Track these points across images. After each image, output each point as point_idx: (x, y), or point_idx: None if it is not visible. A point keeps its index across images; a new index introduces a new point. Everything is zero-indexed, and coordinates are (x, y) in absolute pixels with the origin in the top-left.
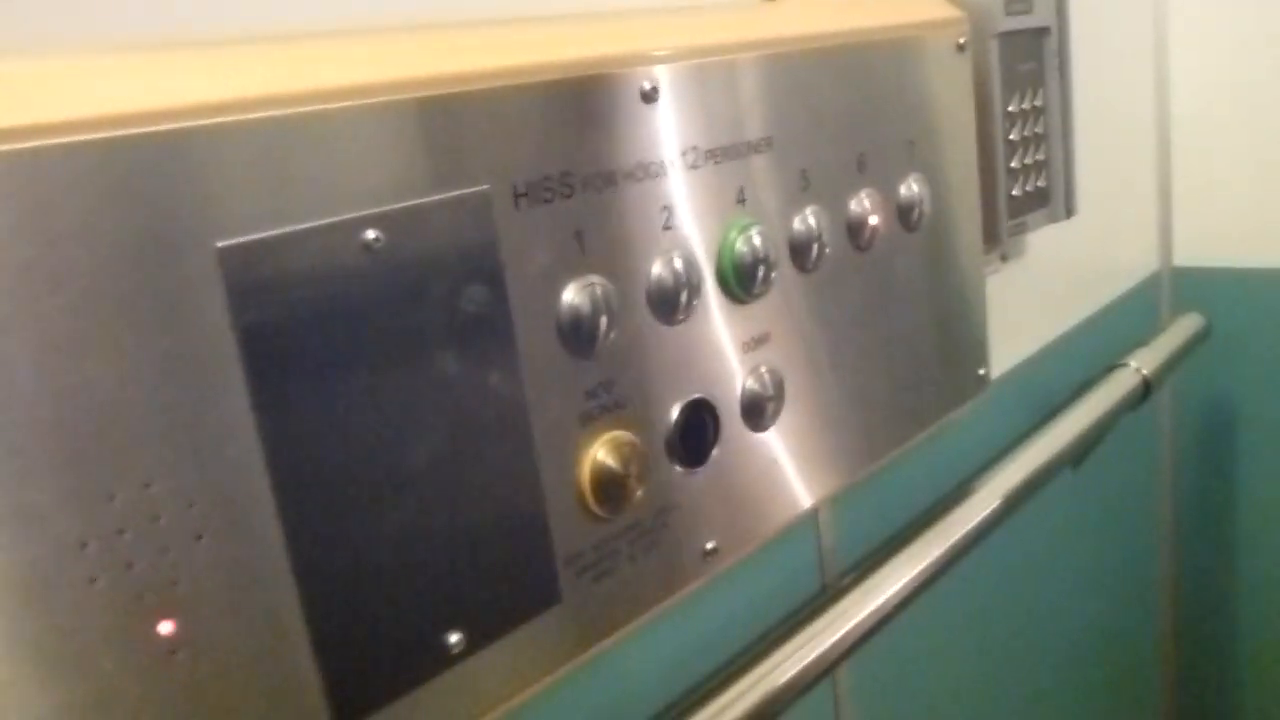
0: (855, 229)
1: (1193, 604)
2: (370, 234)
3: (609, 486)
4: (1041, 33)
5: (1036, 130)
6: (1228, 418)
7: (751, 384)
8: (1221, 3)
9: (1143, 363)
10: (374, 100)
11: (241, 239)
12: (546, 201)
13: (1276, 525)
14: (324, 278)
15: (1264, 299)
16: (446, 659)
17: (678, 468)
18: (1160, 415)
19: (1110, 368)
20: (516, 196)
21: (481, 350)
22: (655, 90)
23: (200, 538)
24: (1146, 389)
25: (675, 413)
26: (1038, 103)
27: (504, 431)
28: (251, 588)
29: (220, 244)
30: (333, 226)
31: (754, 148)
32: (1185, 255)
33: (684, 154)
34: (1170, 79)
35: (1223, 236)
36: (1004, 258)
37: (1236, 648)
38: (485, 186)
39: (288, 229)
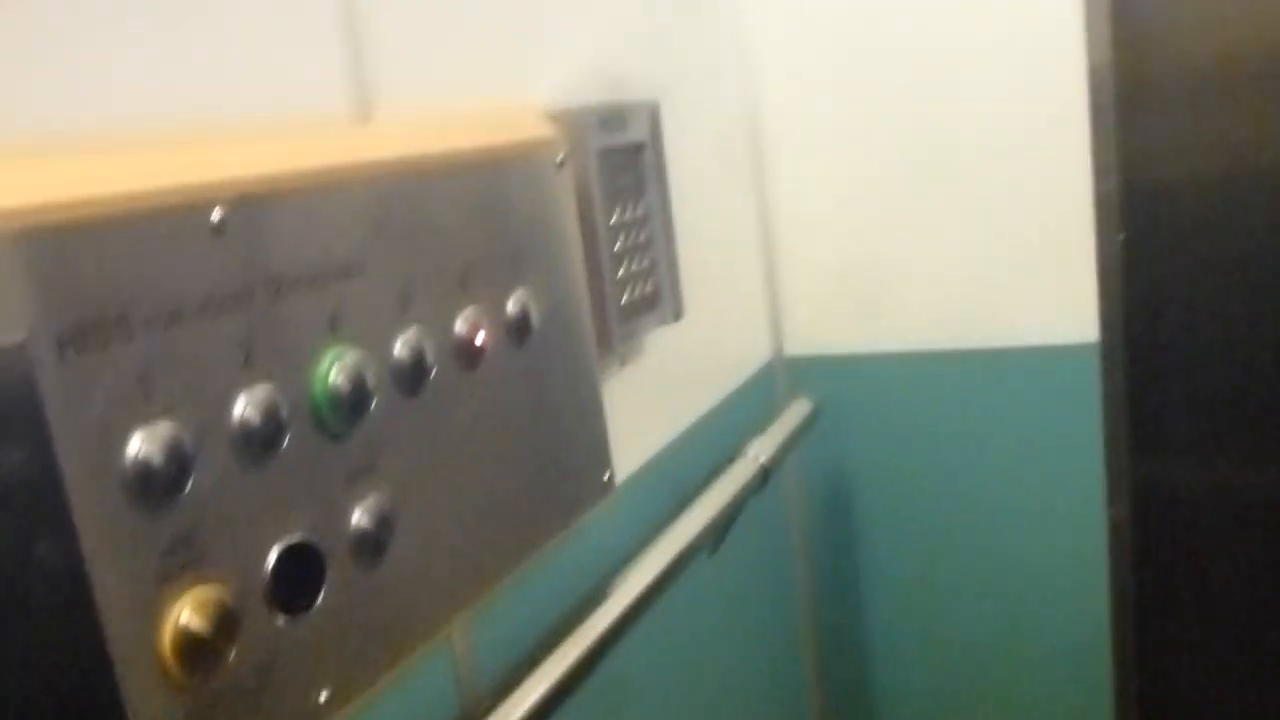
0: (461, 348)
1: (834, 664)
2: None
3: (196, 652)
4: (638, 148)
5: (640, 239)
6: (846, 489)
7: (358, 519)
8: (811, 106)
9: (760, 450)
10: None
11: None
12: (100, 347)
13: (896, 582)
14: None
15: (866, 380)
16: None
17: (280, 618)
18: (787, 492)
19: (731, 457)
20: (62, 345)
21: (26, 518)
22: (226, 222)
23: None
24: (766, 474)
25: (271, 559)
26: (639, 213)
27: (62, 606)
28: None
29: None
30: None
31: (345, 272)
32: (795, 345)
33: (264, 284)
34: (767, 183)
35: (826, 325)
36: (621, 362)
37: (877, 693)
38: (20, 338)
39: None
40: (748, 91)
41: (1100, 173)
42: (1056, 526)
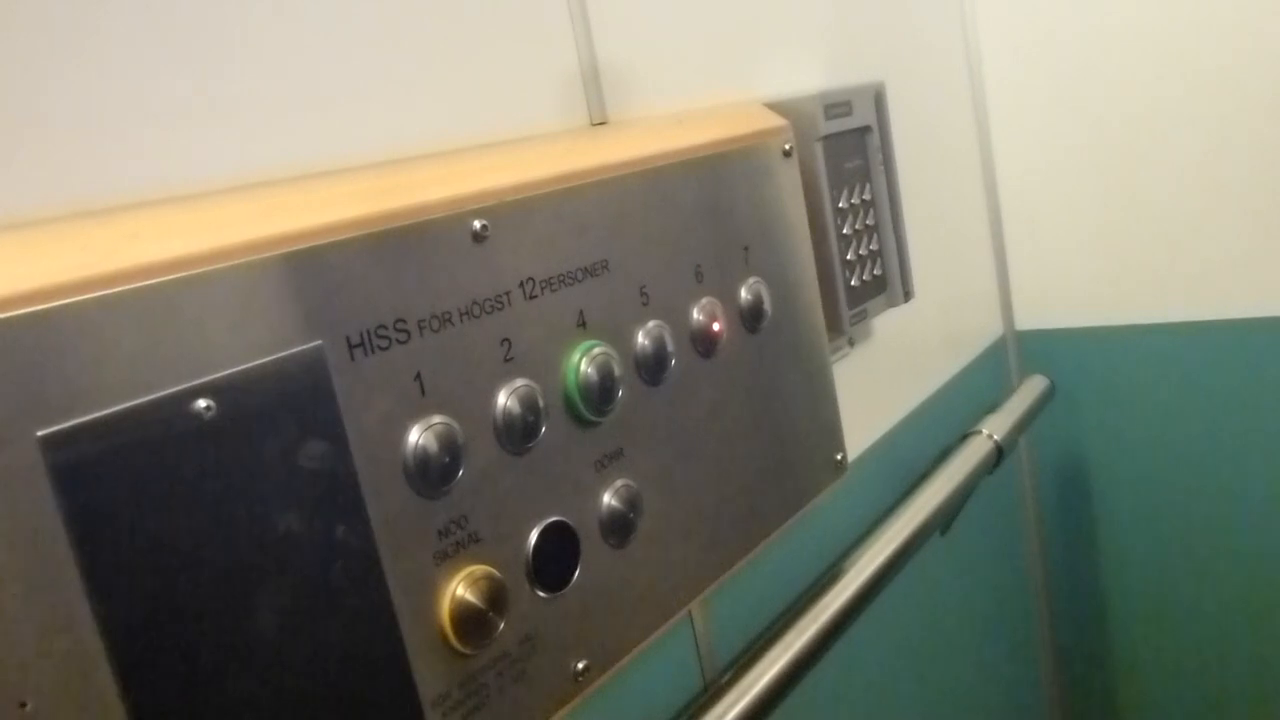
0: (699, 338)
1: (1071, 647)
2: (201, 403)
3: (471, 622)
4: (863, 131)
5: (868, 222)
6: (1082, 468)
7: (608, 501)
8: (1035, 81)
9: (994, 428)
10: (194, 272)
11: (64, 425)
12: (383, 349)
13: (1134, 563)
14: (156, 452)
15: (1102, 354)
16: None
17: (541, 593)
18: (1020, 471)
19: (964, 436)
20: (351, 348)
21: (327, 504)
22: (486, 229)
23: None
24: (1000, 453)
25: (533, 539)
26: (866, 196)
27: (357, 581)
28: None
29: (42, 432)
30: (161, 401)
31: (590, 271)
32: (1027, 320)
33: (521, 286)
34: (995, 158)
35: (1060, 299)
36: (851, 343)
37: (1116, 677)
38: (318, 342)
39: (114, 409)
40: (972, 66)
41: None
42: None
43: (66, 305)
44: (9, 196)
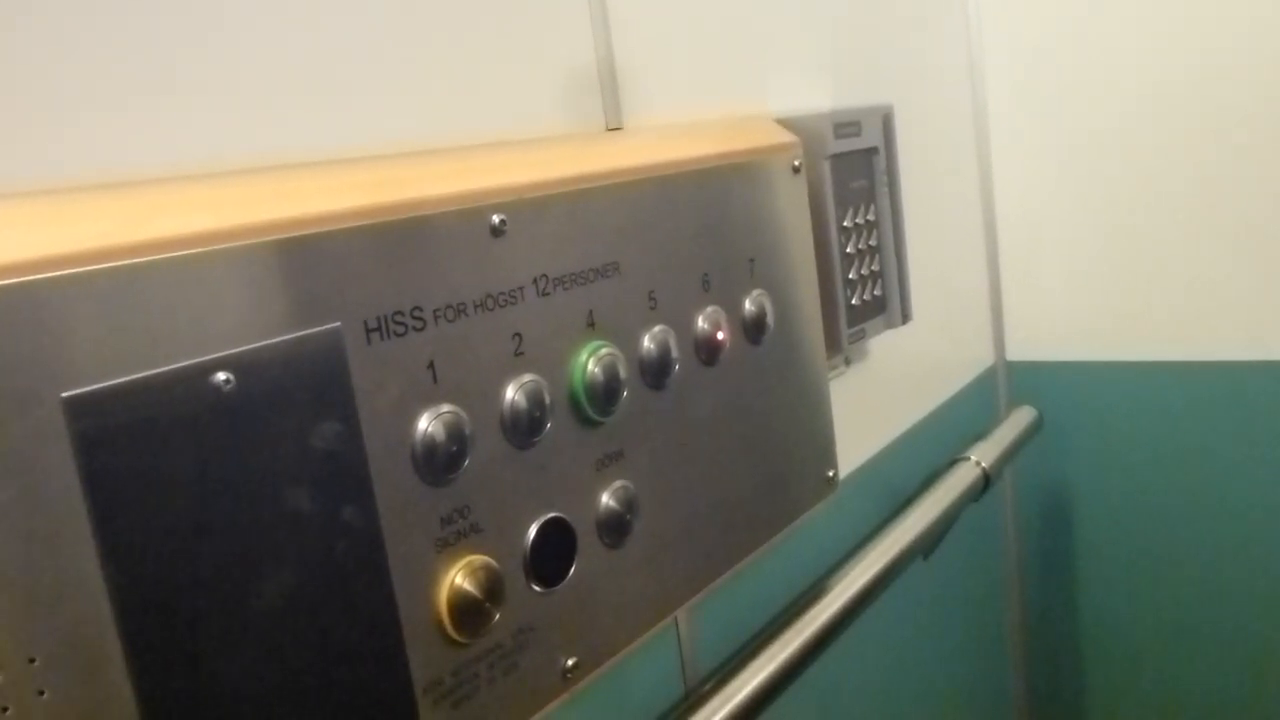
0: (702, 345)
1: (1045, 676)
2: (221, 376)
3: (467, 612)
4: (870, 152)
5: (871, 243)
6: (1065, 500)
7: (606, 501)
8: (1037, 114)
9: (982, 456)
10: (221, 246)
11: (88, 388)
12: (398, 335)
13: (1112, 601)
14: (175, 422)
15: (1092, 388)
16: None
17: (536, 588)
18: (1002, 501)
19: (952, 461)
20: (368, 332)
21: (335, 485)
22: (504, 224)
23: (42, 693)
24: (987, 480)
25: (531, 534)
26: (870, 217)
27: (359, 563)
28: None
29: (65, 394)
30: (182, 371)
31: (602, 273)
32: (1018, 351)
33: (534, 282)
34: (994, 188)
35: (1051, 331)
36: (847, 362)
37: (1091, 711)
38: (336, 324)
39: (136, 376)
40: (975, 94)
41: None
42: None
43: (92, 271)
44: (31, 165)
